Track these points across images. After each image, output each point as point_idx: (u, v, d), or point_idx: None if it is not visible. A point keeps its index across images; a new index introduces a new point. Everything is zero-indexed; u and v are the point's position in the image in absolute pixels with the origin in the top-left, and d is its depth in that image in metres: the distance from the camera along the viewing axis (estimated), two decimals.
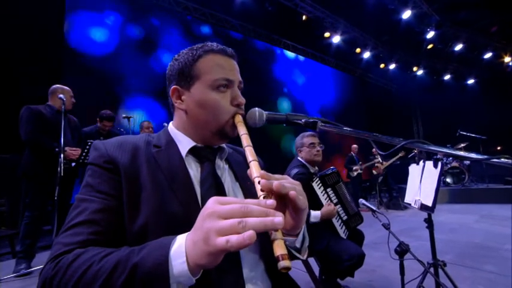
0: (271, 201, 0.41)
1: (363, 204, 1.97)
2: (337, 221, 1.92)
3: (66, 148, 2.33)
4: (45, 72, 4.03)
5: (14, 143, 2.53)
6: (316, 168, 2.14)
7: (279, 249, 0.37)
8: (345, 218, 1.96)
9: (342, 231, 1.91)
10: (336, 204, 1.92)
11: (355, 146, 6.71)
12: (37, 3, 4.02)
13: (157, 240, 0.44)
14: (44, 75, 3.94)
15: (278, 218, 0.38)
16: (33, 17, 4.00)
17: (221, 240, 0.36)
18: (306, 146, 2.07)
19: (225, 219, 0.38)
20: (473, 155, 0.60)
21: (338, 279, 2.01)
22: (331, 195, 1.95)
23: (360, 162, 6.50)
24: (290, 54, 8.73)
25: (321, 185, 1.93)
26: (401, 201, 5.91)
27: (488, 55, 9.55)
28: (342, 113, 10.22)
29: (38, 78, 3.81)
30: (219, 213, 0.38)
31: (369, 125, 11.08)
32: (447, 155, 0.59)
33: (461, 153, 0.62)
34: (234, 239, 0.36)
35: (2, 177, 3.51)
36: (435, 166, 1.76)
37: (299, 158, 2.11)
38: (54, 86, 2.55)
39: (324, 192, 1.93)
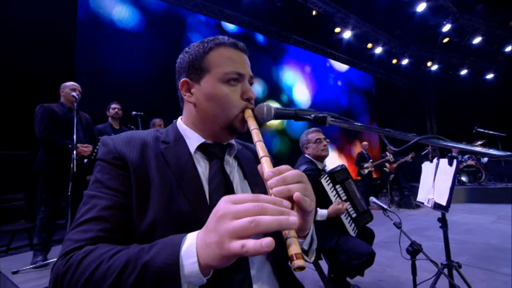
0: (287, 202, 0.40)
1: (374, 202, 1.92)
2: (346, 219, 1.89)
3: (78, 145, 2.39)
4: (59, 70, 4.16)
5: (31, 140, 2.62)
6: (325, 164, 2.11)
7: (293, 248, 0.36)
8: (354, 215, 1.93)
9: (351, 229, 1.88)
10: (345, 201, 1.89)
11: (365, 143, 6.58)
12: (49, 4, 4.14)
13: (167, 238, 0.44)
14: (58, 73, 4.06)
15: (293, 218, 0.37)
16: (45, 16, 4.12)
17: (236, 245, 0.35)
18: (312, 143, 2.04)
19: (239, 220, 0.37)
20: (492, 151, 0.56)
21: (347, 278, 1.98)
22: (340, 192, 1.92)
23: (371, 160, 6.38)
24: (300, 51, 8.62)
25: (329, 181, 1.90)
26: (413, 200, 5.78)
27: (508, 48, 9.10)
28: (353, 110, 10.05)
29: (52, 76, 3.94)
30: (232, 214, 0.37)
31: (380, 122, 10.85)
32: (464, 152, 0.55)
33: (480, 149, 0.59)
34: (250, 244, 0.34)
35: (20, 173, 3.67)
36: (450, 164, 1.70)
37: (306, 155, 2.09)
38: (62, 84, 2.62)
39: (332, 189, 1.90)
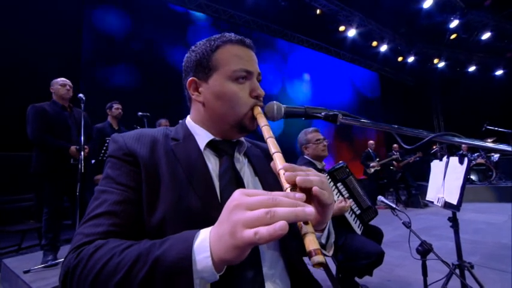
0: (300, 195, 0.39)
1: (382, 201, 1.90)
2: (351, 216, 1.87)
3: (73, 147, 2.31)
4: (64, 71, 4.22)
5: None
6: (324, 163, 2.11)
7: (311, 243, 0.35)
8: (358, 212, 1.92)
9: (356, 226, 1.86)
10: (347, 199, 1.87)
11: (371, 141, 6.51)
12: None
13: (180, 234, 0.43)
14: (66, 75, 4.13)
15: (309, 208, 0.36)
16: (52, 15, 4.18)
17: (249, 233, 0.34)
18: (312, 143, 2.03)
19: (253, 210, 0.36)
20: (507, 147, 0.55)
21: (356, 278, 1.96)
22: (342, 190, 1.91)
23: (377, 159, 6.31)
24: (304, 50, 8.58)
25: (330, 180, 1.89)
26: (421, 199, 5.70)
27: None
28: (359, 108, 9.95)
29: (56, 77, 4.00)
30: (246, 205, 0.36)
31: (386, 121, 10.70)
32: (483, 149, 0.54)
33: (494, 145, 0.57)
34: (263, 230, 0.33)
35: (30, 173, 3.73)
36: (461, 162, 1.67)
37: (305, 156, 2.08)
38: (52, 81, 2.48)
39: (334, 187, 1.89)
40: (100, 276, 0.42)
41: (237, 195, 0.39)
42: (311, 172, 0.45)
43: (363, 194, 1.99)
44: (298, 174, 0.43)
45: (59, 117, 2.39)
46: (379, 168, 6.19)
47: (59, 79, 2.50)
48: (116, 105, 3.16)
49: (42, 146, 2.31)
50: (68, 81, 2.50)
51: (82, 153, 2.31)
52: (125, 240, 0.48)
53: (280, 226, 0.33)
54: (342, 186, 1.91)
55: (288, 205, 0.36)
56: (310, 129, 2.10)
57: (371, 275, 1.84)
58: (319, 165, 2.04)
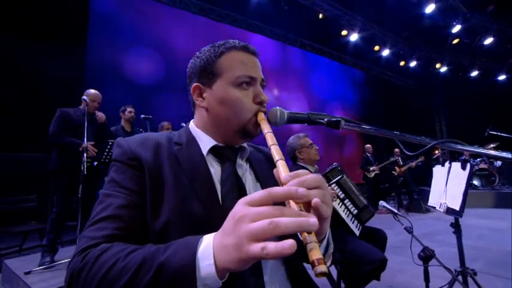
0: (303, 190, 0.39)
1: (384, 206, 1.89)
2: (348, 216, 1.87)
3: (88, 143, 2.47)
4: (73, 77, 4.28)
5: (43, 143, 2.69)
6: (316, 167, 2.12)
7: (314, 253, 0.35)
8: (355, 212, 1.92)
9: (354, 226, 1.85)
10: (343, 200, 1.89)
11: (368, 145, 6.47)
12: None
13: (184, 239, 0.43)
14: (72, 79, 4.19)
15: (313, 219, 0.36)
16: (58, 20, 4.25)
17: (256, 248, 0.34)
18: (306, 147, 2.04)
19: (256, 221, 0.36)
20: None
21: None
22: (337, 191, 1.92)
23: (376, 162, 6.27)
24: (306, 54, 8.61)
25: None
26: (423, 204, 5.65)
27: None
28: (360, 113, 9.94)
29: (64, 81, 4.06)
30: (251, 217, 0.36)
31: (388, 126, 10.64)
32: (487, 156, 0.54)
33: (499, 153, 0.57)
34: (271, 246, 0.33)
35: (33, 174, 3.76)
36: (463, 168, 1.66)
37: (299, 162, 2.06)
38: (86, 91, 2.72)
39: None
40: (105, 280, 0.43)
41: (240, 206, 0.38)
42: (315, 182, 0.43)
43: (359, 194, 2.00)
44: (300, 182, 0.42)
45: (80, 122, 2.58)
46: (378, 172, 6.16)
47: (92, 92, 2.72)
48: (129, 109, 3.27)
49: (55, 142, 2.51)
50: (98, 97, 2.72)
51: (85, 155, 2.40)
52: (129, 244, 0.49)
53: (290, 245, 0.33)
54: (337, 188, 1.93)
55: (292, 215, 0.36)
56: (301, 134, 2.11)
57: (379, 279, 1.81)
58: (312, 169, 2.05)
